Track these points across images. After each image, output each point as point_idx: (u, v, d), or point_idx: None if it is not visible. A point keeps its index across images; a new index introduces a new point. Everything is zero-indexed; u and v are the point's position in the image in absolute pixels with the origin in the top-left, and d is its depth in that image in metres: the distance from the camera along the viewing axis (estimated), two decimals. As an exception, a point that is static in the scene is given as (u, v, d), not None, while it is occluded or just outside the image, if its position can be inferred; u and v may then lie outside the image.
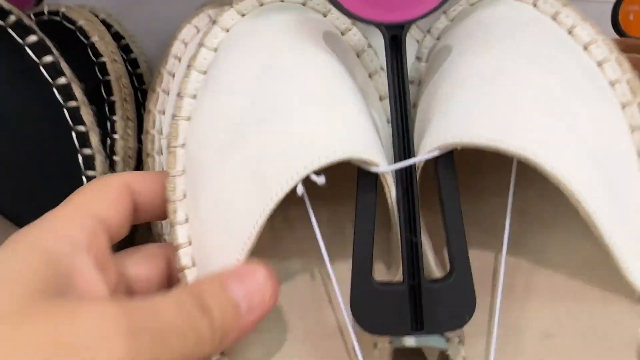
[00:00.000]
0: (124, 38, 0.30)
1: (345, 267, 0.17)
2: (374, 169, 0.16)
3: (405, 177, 0.17)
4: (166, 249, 0.19)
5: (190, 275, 0.17)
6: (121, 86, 0.26)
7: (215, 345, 0.15)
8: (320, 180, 0.15)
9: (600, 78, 0.19)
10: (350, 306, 0.16)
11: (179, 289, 0.15)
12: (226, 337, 0.15)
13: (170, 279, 0.19)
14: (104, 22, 0.30)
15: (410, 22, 0.18)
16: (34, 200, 0.20)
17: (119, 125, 0.24)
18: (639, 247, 0.16)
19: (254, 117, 0.17)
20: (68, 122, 0.20)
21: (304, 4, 0.21)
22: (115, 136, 0.24)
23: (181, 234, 0.18)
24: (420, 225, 0.16)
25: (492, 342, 0.17)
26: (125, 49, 0.31)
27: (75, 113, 0.21)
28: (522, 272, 0.19)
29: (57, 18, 0.26)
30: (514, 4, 0.20)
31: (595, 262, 0.18)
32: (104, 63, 0.25)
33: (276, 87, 0.18)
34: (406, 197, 0.17)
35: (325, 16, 0.21)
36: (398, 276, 0.16)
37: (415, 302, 0.16)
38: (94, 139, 0.20)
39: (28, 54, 0.20)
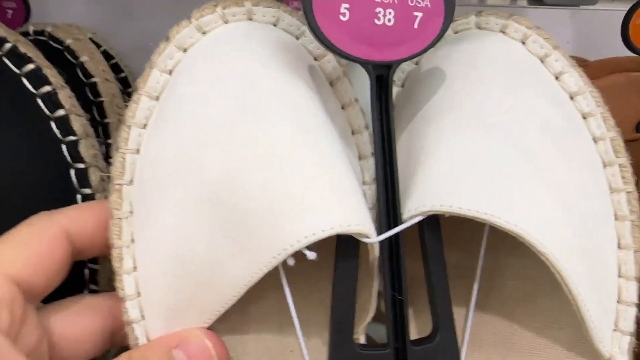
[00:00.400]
0: (113, 57, 0.29)
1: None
2: (365, 240, 0.16)
3: (392, 240, 0.16)
4: (111, 300, 0.17)
5: (138, 329, 0.16)
6: (115, 107, 0.25)
7: None
8: (312, 255, 0.15)
9: (585, 132, 0.18)
10: None
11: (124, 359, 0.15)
12: None
13: (115, 333, 0.18)
14: (91, 41, 0.30)
15: (398, 62, 0.17)
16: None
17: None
18: (606, 317, 0.17)
19: (232, 168, 0.16)
20: (66, 158, 0.20)
21: (274, 24, 0.19)
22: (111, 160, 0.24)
23: (128, 283, 0.16)
24: (406, 285, 0.16)
25: None
26: (114, 68, 0.30)
27: (73, 148, 0.20)
28: (492, 325, 0.19)
29: (44, 38, 0.26)
30: (503, 39, 0.19)
31: (562, 321, 0.18)
32: (95, 83, 0.25)
33: (256, 136, 0.16)
34: (392, 259, 0.16)
35: (297, 39, 0.19)
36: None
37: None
38: (95, 176, 0.20)
39: (24, 84, 0.20)
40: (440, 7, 0.17)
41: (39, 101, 0.19)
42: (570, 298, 0.16)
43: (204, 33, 0.18)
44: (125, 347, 0.17)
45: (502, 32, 0.20)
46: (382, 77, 0.17)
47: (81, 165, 0.20)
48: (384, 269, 0.16)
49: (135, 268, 0.17)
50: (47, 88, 0.20)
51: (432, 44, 0.17)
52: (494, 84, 0.18)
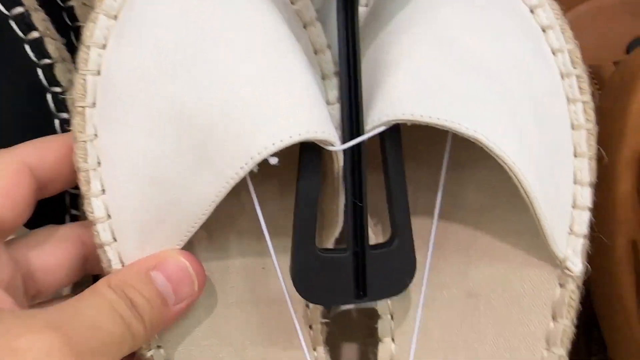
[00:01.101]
0: None
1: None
2: (329, 148, 0.16)
3: (354, 149, 0.17)
4: (79, 228, 0.18)
5: (110, 251, 0.17)
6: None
7: (147, 339, 0.16)
8: (273, 160, 0.15)
9: (545, 45, 0.19)
10: (292, 276, 0.17)
11: (103, 286, 0.15)
12: (156, 329, 0.16)
13: (86, 260, 0.18)
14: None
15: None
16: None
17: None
18: (561, 221, 0.18)
19: (197, 86, 0.16)
20: (42, 82, 0.20)
21: None
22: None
23: (97, 206, 0.17)
24: (366, 193, 0.17)
25: (420, 299, 0.18)
26: None
27: (49, 72, 0.20)
28: (454, 234, 0.19)
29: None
30: None
31: (521, 228, 0.18)
32: (72, 7, 0.25)
33: (221, 53, 0.16)
34: (354, 168, 0.17)
35: None
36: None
37: (358, 269, 0.17)
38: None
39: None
40: None
41: (12, 23, 0.19)
42: (527, 203, 0.16)
43: None
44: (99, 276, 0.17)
45: None
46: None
47: (57, 89, 0.20)
48: (346, 177, 0.17)
49: (103, 191, 0.17)
50: (19, 9, 0.19)
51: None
52: (463, 8, 0.18)
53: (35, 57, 0.20)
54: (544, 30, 0.19)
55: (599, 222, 0.19)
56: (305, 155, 0.16)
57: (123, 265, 0.17)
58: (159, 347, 0.18)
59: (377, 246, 0.17)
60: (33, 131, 0.19)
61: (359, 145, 0.17)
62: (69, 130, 0.17)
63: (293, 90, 0.16)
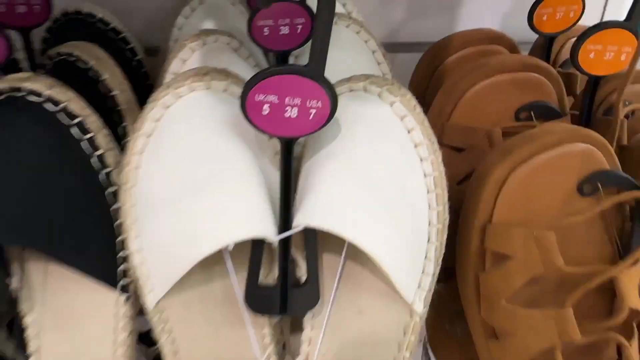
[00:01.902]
0: (121, 32, 0.40)
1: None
2: (267, 240, 0.28)
3: (285, 239, 0.29)
4: None
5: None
6: (130, 111, 0.36)
7: None
8: (230, 246, 0.27)
9: (420, 171, 0.29)
10: (245, 298, 0.30)
11: None
12: None
13: None
14: (101, 21, 0.39)
15: (297, 137, 0.28)
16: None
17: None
18: (413, 282, 0.29)
19: (189, 192, 0.28)
20: (99, 177, 0.31)
21: (225, 91, 0.30)
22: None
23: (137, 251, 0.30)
24: (287, 260, 0.29)
25: (325, 318, 0.31)
26: (123, 40, 0.41)
27: (108, 174, 0.32)
28: (353, 277, 0.31)
29: (72, 59, 0.36)
30: (377, 101, 0.29)
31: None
32: (114, 96, 0.36)
33: (206, 174, 0.28)
34: (284, 247, 0.29)
35: None
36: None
37: (283, 298, 0.30)
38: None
39: (72, 133, 0.31)
40: (327, 107, 0.27)
41: (84, 145, 0.31)
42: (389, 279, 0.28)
43: (179, 97, 0.29)
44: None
45: (379, 96, 0.30)
46: (288, 143, 0.28)
47: (113, 189, 0.32)
48: (279, 255, 0.29)
49: (138, 236, 0.30)
50: (88, 135, 0.31)
51: (320, 128, 0.27)
52: (360, 141, 0.29)
53: (100, 166, 0.31)
54: (421, 160, 0.29)
55: (460, 260, 0.32)
56: (255, 243, 0.29)
57: None
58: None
59: (296, 285, 0.30)
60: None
61: (287, 238, 0.29)
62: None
63: (246, 208, 0.28)
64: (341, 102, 0.30)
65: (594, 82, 0.37)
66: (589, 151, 0.31)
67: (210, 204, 0.28)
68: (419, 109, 0.30)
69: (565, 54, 0.45)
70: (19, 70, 0.40)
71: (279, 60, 0.38)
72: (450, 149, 0.38)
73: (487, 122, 0.38)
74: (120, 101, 0.36)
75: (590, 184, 0.31)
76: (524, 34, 0.44)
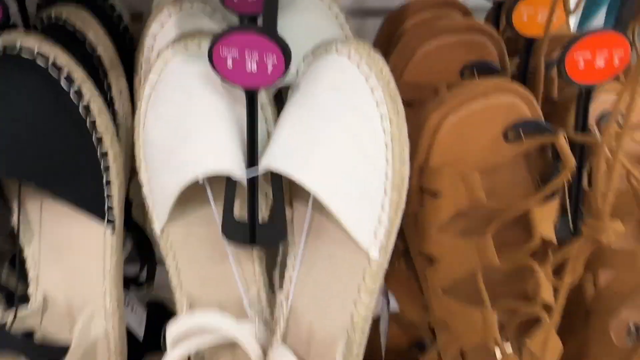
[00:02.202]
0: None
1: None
2: (234, 177, 0.33)
3: (252, 179, 0.34)
4: None
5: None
6: (113, 67, 0.40)
7: None
8: (199, 179, 0.33)
9: (380, 128, 0.33)
10: (222, 229, 0.35)
11: None
12: None
13: None
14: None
15: (258, 89, 0.32)
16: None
17: (116, 99, 0.40)
18: (368, 231, 0.33)
19: (176, 135, 0.34)
20: (86, 124, 0.36)
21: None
22: (115, 107, 0.40)
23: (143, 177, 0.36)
24: (257, 199, 0.34)
25: (299, 260, 0.36)
26: (111, 7, 0.45)
27: (93, 124, 0.36)
28: (325, 225, 0.36)
29: (60, 23, 0.40)
30: (344, 61, 0.33)
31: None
32: (99, 56, 0.40)
33: (189, 123, 0.33)
34: (251, 186, 0.34)
35: None
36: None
37: (253, 232, 0.35)
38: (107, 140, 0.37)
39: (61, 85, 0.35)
40: (282, 62, 0.31)
41: (71, 94, 0.35)
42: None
43: (176, 54, 0.34)
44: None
45: (347, 56, 0.34)
46: (251, 94, 0.32)
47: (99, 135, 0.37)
48: (247, 192, 0.34)
49: (147, 170, 0.36)
50: (75, 86, 0.35)
51: (277, 81, 0.32)
52: (324, 96, 0.33)
53: (85, 115, 0.36)
54: (382, 118, 0.33)
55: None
56: (228, 180, 0.33)
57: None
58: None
59: (264, 223, 0.35)
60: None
61: (253, 177, 0.34)
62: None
63: (220, 147, 0.33)
64: (313, 61, 0.35)
65: (529, 42, 0.41)
66: (512, 102, 0.35)
67: (190, 144, 0.33)
68: (386, 70, 0.34)
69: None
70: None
71: (274, 14, 0.41)
72: (403, 104, 0.43)
73: (435, 79, 0.42)
74: (103, 58, 0.40)
75: (514, 131, 0.36)
76: (478, 1, 0.48)
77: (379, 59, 0.34)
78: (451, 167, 0.35)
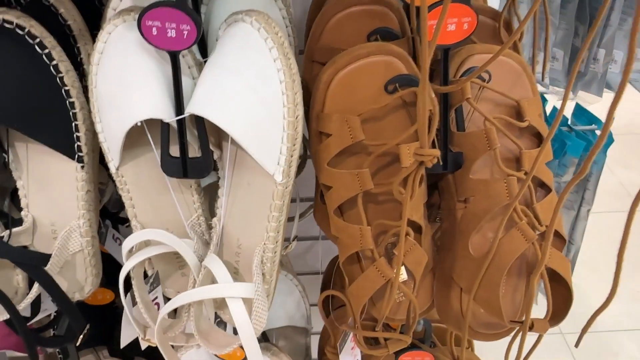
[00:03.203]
0: None
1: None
2: (166, 120, 0.43)
3: (180, 121, 0.43)
4: None
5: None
6: (82, 36, 0.50)
7: None
8: (137, 123, 0.42)
9: (276, 78, 0.43)
10: (161, 166, 0.45)
11: None
12: None
13: None
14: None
15: (178, 51, 0.42)
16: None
17: (85, 61, 0.50)
18: (272, 159, 0.43)
19: (120, 90, 0.43)
20: (56, 80, 0.46)
21: None
22: (84, 67, 0.50)
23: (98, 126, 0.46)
24: (186, 139, 0.44)
25: (227, 189, 0.46)
26: None
27: (62, 80, 0.46)
28: (245, 160, 0.46)
29: (40, -2, 0.50)
30: (246, 27, 0.42)
31: None
32: (70, 25, 0.50)
33: (129, 79, 0.43)
34: (179, 127, 0.43)
35: None
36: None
37: (185, 166, 0.44)
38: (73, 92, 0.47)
39: (36, 49, 0.45)
40: (195, 30, 0.40)
41: (44, 57, 0.45)
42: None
43: (115, 26, 0.43)
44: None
45: (250, 24, 0.43)
46: (173, 55, 0.42)
47: (66, 88, 0.46)
48: (178, 132, 0.44)
49: (100, 121, 0.45)
50: (46, 50, 0.45)
51: (192, 44, 0.41)
52: (233, 53, 0.42)
53: (55, 72, 0.46)
54: (277, 70, 0.43)
55: (309, 141, 0.46)
56: (162, 124, 0.43)
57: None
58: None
59: (194, 158, 0.45)
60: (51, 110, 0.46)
61: (180, 120, 0.43)
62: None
63: (154, 97, 0.43)
64: (226, 28, 0.44)
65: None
66: (391, 61, 0.44)
67: (129, 96, 0.43)
68: (280, 33, 0.43)
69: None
70: (8, 4, 0.54)
71: None
72: (320, 65, 0.52)
73: (346, 43, 0.51)
74: (73, 28, 0.50)
75: (392, 85, 0.44)
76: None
77: (274, 25, 0.43)
78: (339, 113, 0.44)
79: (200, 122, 0.44)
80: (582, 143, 0.87)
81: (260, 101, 0.43)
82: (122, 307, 0.73)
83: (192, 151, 0.46)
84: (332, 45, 0.51)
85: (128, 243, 0.48)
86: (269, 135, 0.43)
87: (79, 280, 0.54)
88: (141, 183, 0.49)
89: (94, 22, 0.52)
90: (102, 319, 0.72)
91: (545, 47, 0.55)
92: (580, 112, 0.92)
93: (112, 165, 0.47)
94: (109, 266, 0.61)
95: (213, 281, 0.48)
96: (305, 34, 0.58)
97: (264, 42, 0.43)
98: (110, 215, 0.69)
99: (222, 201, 0.48)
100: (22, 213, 0.52)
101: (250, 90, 0.42)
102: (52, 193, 0.51)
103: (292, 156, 0.44)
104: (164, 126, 0.44)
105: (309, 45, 0.53)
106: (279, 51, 0.43)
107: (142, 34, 0.41)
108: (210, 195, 0.53)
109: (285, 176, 0.44)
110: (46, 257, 0.50)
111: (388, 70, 0.44)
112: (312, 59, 0.52)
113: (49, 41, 0.46)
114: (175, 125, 0.44)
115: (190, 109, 0.42)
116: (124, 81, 0.43)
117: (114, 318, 0.72)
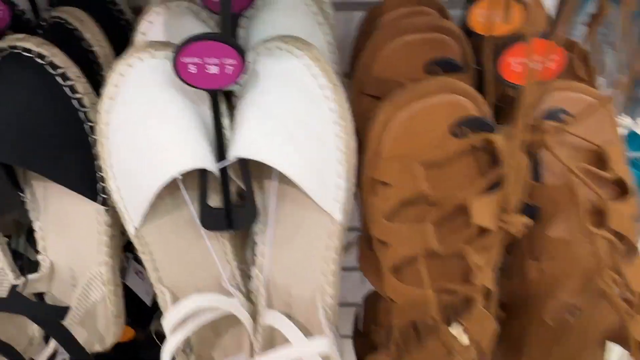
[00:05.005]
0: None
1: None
2: (208, 169, 0.38)
3: (223, 169, 0.38)
4: None
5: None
6: (108, 63, 0.45)
7: None
8: (177, 176, 0.37)
9: (325, 106, 0.37)
10: (199, 219, 0.39)
11: None
12: None
13: None
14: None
15: (220, 89, 0.36)
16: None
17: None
18: (328, 196, 0.38)
19: (145, 141, 0.38)
20: (79, 115, 0.41)
21: (166, 59, 0.38)
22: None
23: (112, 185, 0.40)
24: (228, 186, 0.38)
25: (271, 233, 0.40)
26: (112, 2, 0.49)
27: (86, 112, 0.41)
28: (289, 198, 0.40)
29: (62, 21, 0.45)
30: (287, 56, 0.37)
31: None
32: (94, 51, 0.45)
33: (156, 127, 0.38)
34: (222, 174, 0.38)
35: None
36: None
37: (228, 216, 0.39)
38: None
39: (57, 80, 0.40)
40: (240, 64, 0.35)
41: (67, 90, 0.40)
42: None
43: (130, 66, 0.38)
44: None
45: (289, 52, 0.38)
46: (215, 94, 0.37)
47: (90, 124, 0.41)
48: (222, 181, 0.39)
49: (112, 166, 0.40)
50: (69, 83, 0.40)
51: (237, 81, 0.36)
52: (275, 88, 0.37)
53: (79, 106, 0.41)
54: (327, 99, 0.38)
55: (359, 186, 0.41)
56: (200, 172, 0.38)
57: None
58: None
59: (238, 205, 0.39)
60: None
61: (224, 168, 0.38)
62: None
63: (189, 145, 0.37)
64: (260, 58, 0.39)
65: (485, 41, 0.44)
66: (458, 100, 0.38)
67: (160, 147, 0.38)
68: (323, 60, 0.38)
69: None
70: (28, 28, 0.49)
71: (228, 23, 0.46)
72: (372, 98, 0.46)
73: (402, 75, 0.45)
74: (98, 55, 0.45)
75: (460, 128, 0.39)
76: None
77: (316, 52, 0.38)
78: (399, 159, 0.39)
79: (244, 165, 0.39)
80: (637, 173, 0.81)
81: (312, 135, 0.37)
82: (144, 346, 0.68)
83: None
84: (386, 76, 0.45)
85: (170, 321, 0.43)
86: (324, 170, 0.38)
87: (100, 331, 0.49)
88: (166, 243, 0.43)
89: (121, 46, 0.47)
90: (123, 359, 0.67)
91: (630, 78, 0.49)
92: (634, 138, 0.85)
93: (131, 227, 0.42)
94: (130, 301, 0.56)
95: (272, 341, 0.43)
96: (351, 59, 0.53)
97: (307, 71, 0.38)
98: (132, 248, 0.64)
99: (265, 248, 0.43)
100: (39, 257, 0.47)
101: (299, 123, 0.37)
102: (72, 237, 0.46)
103: (349, 191, 0.39)
104: (203, 176, 0.39)
105: (358, 77, 0.47)
106: (327, 79, 0.38)
107: (177, 74, 0.36)
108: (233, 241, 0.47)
109: (344, 213, 0.39)
110: (64, 310, 0.45)
111: (455, 111, 0.39)
112: (362, 90, 0.47)
113: (73, 71, 0.41)
114: (216, 173, 0.39)
115: (237, 152, 0.37)
116: (149, 130, 0.38)
117: (135, 358, 0.67)
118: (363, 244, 0.47)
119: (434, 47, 0.45)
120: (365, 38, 0.52)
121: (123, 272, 0.64)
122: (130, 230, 0.42)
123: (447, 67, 0.45)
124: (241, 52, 0.35)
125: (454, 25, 0.45)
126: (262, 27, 0.44)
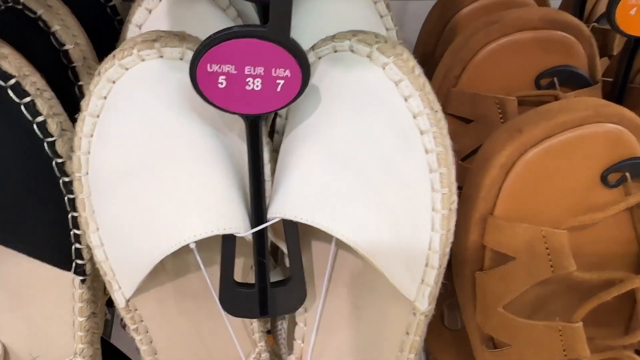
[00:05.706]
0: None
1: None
2: (237, 234, 0.24)
3: (259, 232, 0.25)
4: None
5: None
6: (87, 68, 0.31)
7: None
8: (192, 245, 0.24)
9: (419, 145, 0.24)
10: (220, 300, 0.26)
11: None
12: None
13: None
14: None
15: (265, 114, 0.23)
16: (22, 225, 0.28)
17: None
18: (412, 278, 0.25)
19: (145, 180, 0.24)
20: (49, 155, 0.27)
21: (181, 59, 0.24)
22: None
23: (95, 238, 0.27)
24: (268, 255, 0.25)
25: (318, 313, 0.27)
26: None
27: (52, 146, 0.27)
28: (347, 270, 0.28)
29: (19, 7, 0.31)
30: (367, 64, 0.24)
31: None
32: (67, 51, 0.31)
33: (162, 158, 0.24)
34: (258, 241, 0.25)
35: None
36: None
37: (263, 299, 0.26)
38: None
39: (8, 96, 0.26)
40: (298, 77, 0.22)
41: (23, 109, 0.26)
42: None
43: (126, 69, 0.24)
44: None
45: (368, 57, 0.25)
46: (255, 122, 0.23)
47: (60, 160, 0.27)
48: (254, 250, 0.25)
49: (97, 229, 0.26)
50: (27, 99, 0.26)
51: (291, 102, 0.22)
52: (343, 114, 0.24)
53: (42, 135, 0.27)
54: (421, 133, 0.24)
55: (456, 253, 0.27)
56: (224, 236, 0.24)
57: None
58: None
59: (277, 283, 0.26)
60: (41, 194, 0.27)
61: (261, 231, 0.25)
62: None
63: (211, 198, 0.24)
64: (323, 66, 0.26)
65: (634, 44, 0.31)
66: (618, 133, 0.26)
67: (169, 195, 0.24)
68: (418, 71, 0.25)
69: (602, 8, 0.38)
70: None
71: (282, 11, 0.32)
72: (456, 119, 0.33)
73: (501, 89, 0.32)
74: (74, 57, 0.31)
75: (618, 174, 0.26)
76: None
77: (408, 58, 0.25)
78: (527, 221, 0.26)
79: (291, 230, 0.25)
80: None
81: (399, 188, 0.24)
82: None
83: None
84: (479, 91, 0.32)
85: None
86: (412, 242, 0.25)
87: None
88: (168, 316, 0.30)
89: (106, 43, 0.34)
90: None
91: None
92: None
93: (119, 296, 0.28)
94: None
95: None
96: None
97: (396, 89, 0.24)
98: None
99: (309, 334, 0.29)
100: (-11, 338, 0.34)
101: (381, 171, 0.24)
102: (35, 316, 0.32)
103: (441, 269, 0.26)
104: (229, 241, 0.25)
105: (435, 90, 0.34)
106: (423, 101, 0.24)
107: (197, 89, 0.22)
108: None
109: (432, 300, 0.26)
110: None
111: (610, 149, 0.26)
112: (444, 109, 0.34)
113: (32, 81, 0.27)
114: (248, 238, 0.25)
115: (284, 211, 0.24)
116: (153, 171, 0.25)
117: None
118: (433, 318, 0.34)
119: (551, 51, 0.32)
120: (437, 36, 0.38)
121: (106, 325, 0.51)
122: (119, 300, 0.29)
123: (568, 79, 0.32)
124: (302, 59, 0.22)
125: (576, 19, 0.32)
126: (310, 18, 0.31)
